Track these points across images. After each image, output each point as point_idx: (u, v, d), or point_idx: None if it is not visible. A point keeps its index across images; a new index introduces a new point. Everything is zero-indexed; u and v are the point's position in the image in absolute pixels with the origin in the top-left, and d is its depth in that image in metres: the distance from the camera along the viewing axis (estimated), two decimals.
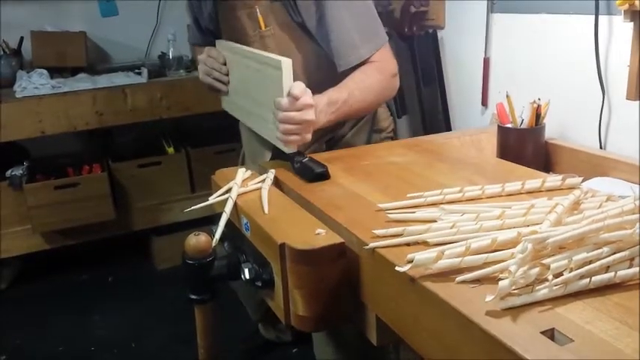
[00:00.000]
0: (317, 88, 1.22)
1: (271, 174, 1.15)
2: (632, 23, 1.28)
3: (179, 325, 2.05)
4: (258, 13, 1.39)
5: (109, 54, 2.77)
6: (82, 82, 2.35)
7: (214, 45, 1.54)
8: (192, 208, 1.12)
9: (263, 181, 1.12)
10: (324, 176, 1.13)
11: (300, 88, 1.14)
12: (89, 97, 2.27)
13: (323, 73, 1.36)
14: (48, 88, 2.25)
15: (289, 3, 1.35)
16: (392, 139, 1.58)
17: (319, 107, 1.20)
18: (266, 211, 1.00)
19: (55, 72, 2.41)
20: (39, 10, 2.56)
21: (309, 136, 1.20)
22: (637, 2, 1.22)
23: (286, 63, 1.16)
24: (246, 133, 1.65)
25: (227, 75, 1.48)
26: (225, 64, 1.47)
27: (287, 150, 1.20)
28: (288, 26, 1.39)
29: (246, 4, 1.40)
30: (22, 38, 2.47)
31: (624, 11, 1.26)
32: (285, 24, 1.39)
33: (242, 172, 1.16)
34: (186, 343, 1.73)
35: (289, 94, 1.14)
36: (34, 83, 2.25)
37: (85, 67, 2.51)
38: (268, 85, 1.23)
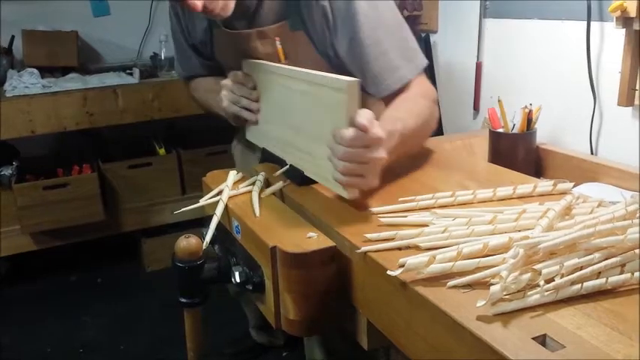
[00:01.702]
0: None
1: (261, 176, 1.15)
2: (623, 30, 1.29)
3: (168, 327, 2.04)
4: (278, 45, 1.24)
5: (100, 54, 2.75)
6: (73, 82, 2.34)
7: (215, 73, 1.41)
8: (183, 209, 1.12)
9: (254, 183, 1.12)
10: (313, 179, 1.13)
11: (367, 116, 0.90)
12: (80, 97, 2.26)
13: None
14: (38, 87, 2.24)
15: (317, 28, 1.20)
16: None
17: None
18: (257, 214, 0.99)
19: (46, 71, 2.39)
20: (31, 9, 2.54)
21: (376, 181, 0.96)
22: (629, 9, 1.23)
23: (352, 84, 0.91)
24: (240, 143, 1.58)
25: (257, 102, 1.26)
26: (255, 88, 1.26)
27: (347, 196, 0.96)
28: (311, 57, 1.23)
29: (263, 33, 1.25)
30: (12, 37, 2.46)
31: (616, 18, 1.27)
32: (307, 54, 1.24)
33: (233, 175, 1.15)
34: (175, 346, 1.72)
35: (354, 125, 0.89)
36: (25, 82, 2.23)
37: (76, 67, 2.50)
38: (321, 111, 1.01)
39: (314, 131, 1.04)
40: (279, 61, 1.24)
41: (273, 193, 1.11)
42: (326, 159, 0.95)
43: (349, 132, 0.89)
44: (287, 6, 1.22)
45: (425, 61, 1.23)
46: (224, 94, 1.28)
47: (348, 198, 0.96)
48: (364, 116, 0.89)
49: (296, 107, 1.11)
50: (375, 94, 1.20)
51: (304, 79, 1.06)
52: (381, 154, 0.92)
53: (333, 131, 0.92)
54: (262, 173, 1.16)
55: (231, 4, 1.16)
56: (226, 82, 1.28)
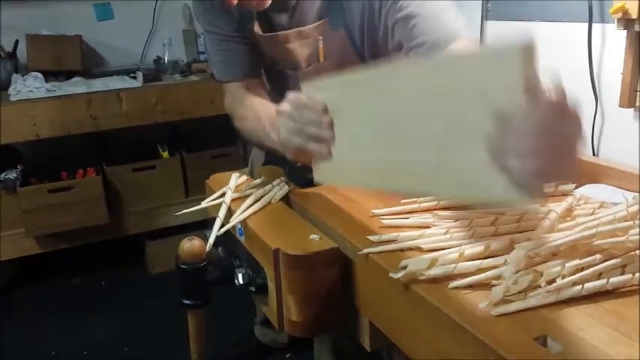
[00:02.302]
0: None
1: (264, 179, 1.15)
2: (625, 31, 1.29)
3: (172, 329, 2.04)
4: (321, 44, 1.15)
5: (104, 58, 2.77)
6: (77, 86, 2.35)
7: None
8: (185, 211, 1.12)
9: (256, 186, 1.12)
10: (315, 182, 1.13)
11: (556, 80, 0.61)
12: (84, 101, 2.27)
13: None
14: (43, 91, 2.25)
15: (357, 23, 1.13)
16: None
17: None
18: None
19: (50, 75, 2.40)
20: (35, 13, 2.56)
21: (571, 171, 0.66)
22: (630, 10, 1.23)
23: (528, 44, 0.59)
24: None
25: (331, 129, 0.91)
26: (325, 111, 0.92)
27: (529, 200, 0.62)
28: (349, 57, 1.16)
29: (302, 33, 1.17)
30: (17, 41, 2.47)
31: (617, 19, 1.27)
32: (346, 54, 1.17)
33: (235, 177, 1.15)
34: (179, 348, 1.73)
35: (538, 93, 0.59)
36: (29, 87, 2.24)
37: (80, 71, 2.51)
38: (465, 100, 0.67)
39: (452, 133, 0.71)
40: (318, 61, 1.15)
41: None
42: (479, 165, 0.65)
43: (537, 105, 0.58)
44: (328, 2, 1.15)
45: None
46: (282, 122, 0.97)
47: (529, 203, 0.66)
48: (552, 80, 0.60)
49: (412, 114, 0.79)
50: None
51: (429, 70, 0.75)
52: (582, 132, 0.64)
53: (499, 115, 0.61)
54: (263, 177, 1.16)
55: None
56: (284, 106, 0.97)
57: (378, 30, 1.14)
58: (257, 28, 1.21)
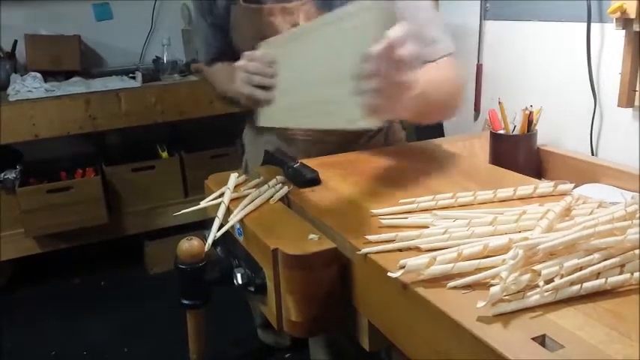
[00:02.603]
0: None
1: (262, 179, 1.15)
2: (623, 31, 1.29)
3: (171, 329, 2.05)
4: (301, 21, 1.24)
5: (103, 58, 2.77)
6: (76, 86, 2.35)
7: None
8: (183, 211, 1.12)
9: (256, 186, 1.12)
10: (314, 182, 1.13)
11: (400, 32, 0.83)
12: (83, 101, 2.27)
13: None
14: (42, 91, 2.25)
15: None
16: None
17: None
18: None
19: (49, 75, 2.41)
20: (34, 13, 2.56)
21: (400, 110, 0.91)
22: (628, 10, 1.23)
23: (377, 3, 0.85)
24: (251, 137, 1.57)
25: (273, 77, 1.13)
26: (272, 65, 1.14)
27: (369, 124, 0.89)
28: None
29: (287, 9, 1.24)
30: (15, 41, 2.47)
31: (616, 19, 1.28)
32: None
33: (234, 177, 1.15)
34: (179, 348, 1.73)
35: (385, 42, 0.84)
36: (28, 87, 2.25)
37: (79, 71, 2.51)
38: (347, 48, 0.92)
39: (339, 73, 0.93)
40: None
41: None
42: (352, 97, 0.88)
43: (379, 46, 0.82)
44: None
45: (453, 47, 1.22)
46: (238, 75, 1.17)
47: (367, 126, 0.89)
48: (396, 31, 0.82)
49: (321, 58, 1.01)
50: None
51: (323, 24, 1.00)
52: (409, 77, 0.86)
53: (360, 61, 0.85)
54: (261, 176, 1.17)
55: None
56: (241, 62, 1.16)
57: None
58: (242, 2, 1.29)
